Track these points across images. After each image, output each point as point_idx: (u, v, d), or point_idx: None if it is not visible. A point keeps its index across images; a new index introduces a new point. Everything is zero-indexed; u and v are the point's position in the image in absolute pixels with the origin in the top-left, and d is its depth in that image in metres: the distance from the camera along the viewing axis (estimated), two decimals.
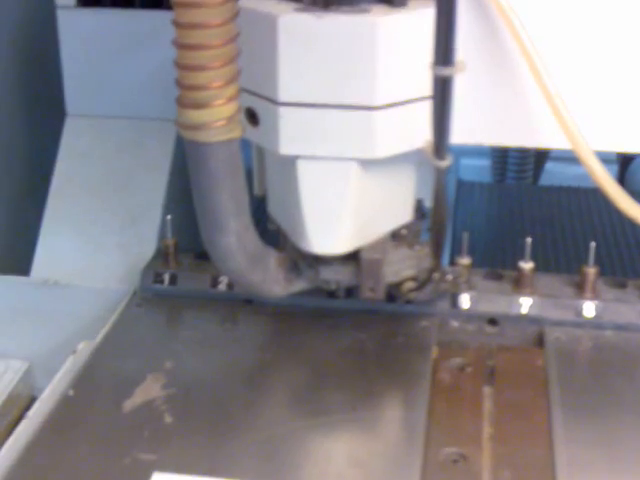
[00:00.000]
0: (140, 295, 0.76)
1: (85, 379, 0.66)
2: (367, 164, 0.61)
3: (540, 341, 0.70)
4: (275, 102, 0.59)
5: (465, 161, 1.30)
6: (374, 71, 0.58)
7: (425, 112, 0.57)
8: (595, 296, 0.71)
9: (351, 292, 0.73)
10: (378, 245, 0.66)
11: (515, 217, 1.01)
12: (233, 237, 0.60)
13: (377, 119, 0.59)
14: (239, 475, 0.56)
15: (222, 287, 0.75)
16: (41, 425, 0.60)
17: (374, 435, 0.60)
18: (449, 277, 0.70)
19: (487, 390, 0.65)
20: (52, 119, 0.90)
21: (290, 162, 0.61)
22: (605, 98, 0.60)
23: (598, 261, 0.72)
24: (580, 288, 0.72)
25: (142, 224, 0.82)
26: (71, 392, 0.64)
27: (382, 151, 0.60)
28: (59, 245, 0.83)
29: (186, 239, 0.78)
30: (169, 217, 0.77)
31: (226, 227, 0.60)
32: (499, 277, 0.74)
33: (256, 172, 0.70)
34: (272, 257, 0.66)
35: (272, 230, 0.70)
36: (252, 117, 0.61)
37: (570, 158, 1.43)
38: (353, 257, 0.66)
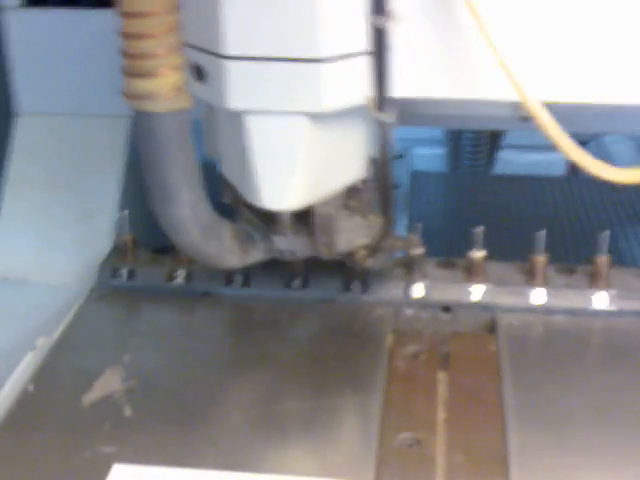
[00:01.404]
0: (98, 290, 0.76)
1: (44, 374, 0.66)
2: (317, 118, 0.61)
3: (492, 327, 0.71)
4: (221, 56, 0.58)
5: (419, 150, 1.30)
6: (319, 22, 0.57)
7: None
8: (545, 283, 0.73)
9: (307, 283, 0.74)
10: (331, 200, 0.66)
11: (470, 206, 1.02)
12: (185, 208, 0.61)
13: (324, 72, 0.58)
14: (200, 465, 0.56)
15: (180, 280, 0.76)
16: (0, 421, 0.61)
17: (330, 422, 0.61)
18: (399, 243, 0.70)
19: (441, 376, 0.66)
20: None
21: (239, 118, 0.61)
22: (551, 47, 0.59)
23: (550, 248, 0.73)
24: (530, 275, 0.73)
25: (97, 220, 0.83)
26: (31, 387, 0.64)
27: (330, 104, 0.60)
28: (13, 242, 0.83)
29: (143, 234, 0.78)
30: (126, 212, 0.77)
31: (178, 198, 0.60)
32: (452, 265, 0.75)
33: (206, 133, 0.69)
34: (226, 229, 0.66)
35: (225, 203, 0.69)
36: (198, 73, 0.61)
37: (523, 146, 1.44)
38: (307, 226, 0.66)
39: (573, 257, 0.90)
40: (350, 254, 0.69)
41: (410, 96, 0.61)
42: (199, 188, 0.61)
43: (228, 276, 0.75)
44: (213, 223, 0.65)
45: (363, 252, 0.69)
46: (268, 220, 0.68)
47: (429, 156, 1.32)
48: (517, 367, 0.66)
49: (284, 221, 0.67)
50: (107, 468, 0.56)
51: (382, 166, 0.63)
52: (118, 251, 0.79)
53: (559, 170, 1.28)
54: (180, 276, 0.76)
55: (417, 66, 0.60)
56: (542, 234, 0.72)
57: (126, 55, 0.55)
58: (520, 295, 0.73)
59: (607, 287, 0.72)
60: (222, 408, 0.62)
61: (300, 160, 0.62)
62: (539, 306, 0.72)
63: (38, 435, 0.60)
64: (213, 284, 0.75)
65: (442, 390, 0.64)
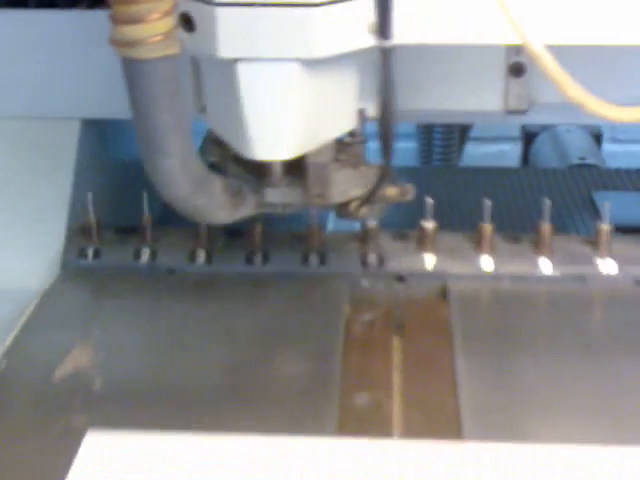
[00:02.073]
0: (65, 271, 0.78)
1: (14, 352, 0.68)
2: (309, 65, 0.60)
3: (444, 294, 0.75)
4: (210, 3, 0.57)
5: None
6: None
7: (367, 11, 0.56)
8: (492, 251, 0.76)
9: (267, 258, 0.76)
10: (324, 150, 0.65)
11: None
12: (176, 159, 0.59)
13: (317, 16, 0.57)
14: (171, 429, 0.58)
15: (144, 259, 0.78)
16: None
17: (293, 385, 0.64)
18: (393, 192, 0.70)
19: (396, 341, 0.69)
20: None
21: (229, 67, 0.60)
22: None
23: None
24: (478, 244, 0.77)
25: (48, 224, 0.81)
26: (2, 364, 0.66)
27: (323, 50, 0.59)
28: None
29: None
30: (90, 194, 0.78)
31: (168, 149, 0.59)
32: (404, 237, 0.78)
33: (192, 88, 0.69)
34: (216, 182, 0.65)
35: (212, 163, 0.69)
36: (187, 23, 0.59)
37: (486, 138, 1.42)
38: (298, 178, 0.66)
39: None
40: (343, 205, 0.69)
41: (408, 42, 0.60)
42: (189, 139, 0.60)
43: (191, 254, 0.77)
44: (203, 176, 0.63)
45: (356, 202, 0.68)
46: (259, 173, 0.67)
47: (401, 150, 1.33)
48: (467, 330, 0.69)
49: (276, 172, 0.66)
50: (79, 438, 0.57)
51: (383, 97, 0.60)
52: (83, 232, 0.80)
53: (513, 161, 1.31)
54: (145, 254, 0.78)
55: (414, 11, 0.59)
56: (488, 204, 0.75)
57: (114, 1, 0.54)
58: (469, 263, 0.76)
59: (550, 253, 0.76)
60: (188, 378, 0.65)
61: (292, 108, 0.61)
62: (487, 273, 0.76)
63: (10, 411, 0.62)
64: (177, 262, 0.77)
65: (397, 354, 0.67)
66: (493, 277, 0.76)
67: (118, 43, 0.55)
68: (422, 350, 0.68)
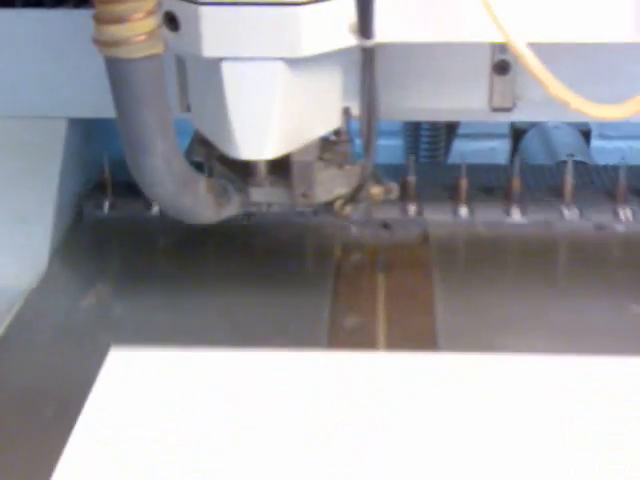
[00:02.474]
0: (83, 221, 0.85)
1: (41, 289, 0.75)
2: (294, 64, 0.60)
3: (425, 239, 0.82)
4: (195, 2, 0.57)
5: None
6: None
7: (351, 10, 0.56)
8: (468, 201, 0.84)
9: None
10: (308, 149, 0.65)
11: None
12: (160, 159, 0.59)
13: (301, 15, 0.57)
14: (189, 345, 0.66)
15: (156, 209, 0.83)
16: (9, 320, 0.70)
17: (289, 312, 0.71)
18: (377, 191, 0.70)
19: (381, 277, 0.76)
20: None
21: (214, 66, 0.60)
22: None
23: None
24: (456, 195, 0.84)
25: (33, 225, 0.81)
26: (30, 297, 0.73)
27: (307, 49, 0.59)
28: None
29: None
30: (106, 155, 0.84)
31: (152, 149, 0.58)
32: (389, 190, 0.80)
33: (177, 87, 0.70)
34: (201, 182, 0.65)
35: (197, 162, 0.69)
36: (172, 22, 0.59)
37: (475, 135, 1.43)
38: (283, 177, 0.66)
39: None
40: (328, 204, 0.69)
41: (391, 40, 0.60)
42: (173, 139, 0.60)
43: None
44: (187, 175, 0.63)
45: (340, 201, 0.69)
46: (243, 172, 0.67)
47: (387, 148, 1.32)
48: (445, 269, 0.77)
49: (260, 171, 0.67)
50: (105, 355, 0.64)
51: (366, 95, 0.61)
52: (100, 187, 0.86)
53: (502, 158, 1.30)
54: (155, 206, 0.83)
55: (398, 9, 0.60)
56: (464, 163, 0.83)
57: (98, 1, 0.53)
58: (447, 212, 0.84)
59: (520, 203, 0.83)
60: (200, 303, 0.72)
61: (277, 108, 0.61)
62: (463, 220, 0.84)
63: (43, 332, 0.69)
64: None
65: (382, 287, 0.75)
66: (468, 224, 0.84)
67: (102, 43, 0.54)
68: (405, 284, 0.75)
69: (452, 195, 0.84)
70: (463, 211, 0.84)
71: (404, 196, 0.82)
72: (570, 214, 0.83)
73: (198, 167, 0.67)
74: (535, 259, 0.79)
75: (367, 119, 0.62)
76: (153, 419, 0.59)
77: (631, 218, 0.82)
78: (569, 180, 0.83)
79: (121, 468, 0.55)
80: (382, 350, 0.67)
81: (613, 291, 0.73)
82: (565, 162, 0.88)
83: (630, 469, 0.54)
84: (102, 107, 0.65)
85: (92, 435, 0.57)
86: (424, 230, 0.82)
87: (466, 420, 0.58)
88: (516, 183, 0.83)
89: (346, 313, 0.71)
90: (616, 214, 0.83)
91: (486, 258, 0.79)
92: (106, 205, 0.85)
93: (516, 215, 0.83)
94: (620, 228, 0.82)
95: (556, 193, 0.84)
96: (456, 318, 0.70)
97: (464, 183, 0.83)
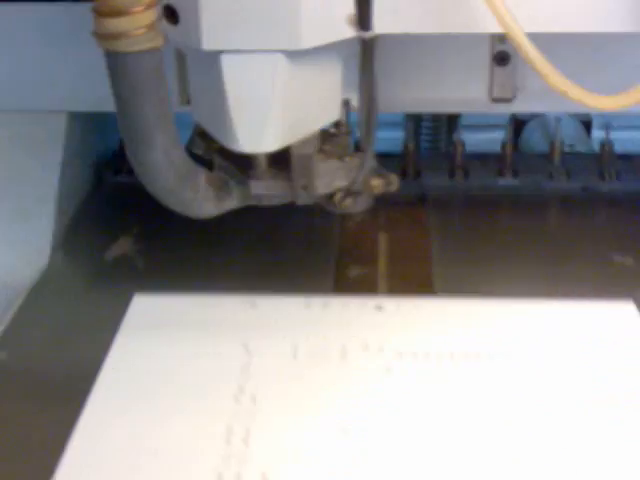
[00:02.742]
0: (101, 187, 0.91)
1: (66, 243, 0.82)
2: (294, 56, 0.60)
3: (423, 200, 0.88)
4: None
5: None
6: None
7: (350, 2, 0.56)
8: (463, 166, 0.89)
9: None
10: (308, 141, 0.65)
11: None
12: (160, 152, 0.59)
13: (301, 7, 0.57)
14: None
15: None
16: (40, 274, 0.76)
17: (299, 263, 0.77)
18: (378, 182, 0.70)
19: (382, 234, 0.82)
20: None
21: (214, 59, 0.59)
22: None
23: None
24: (452, 161, 0.89)
25: (35, 219, 0.81)
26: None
27: (307, 41, 0.58)
28: None
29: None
30: None
31: (152, 142, 0.58)
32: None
33: (177, 80, 0.70)
34: (201, 175, 0.65)
35: (197, 155, 0.69)
36: (172, 15, 0.58)
37: (476, 125, 1.42)
38: (283, 170, 0.66)
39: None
40: (328, 197, 0.68)
41: (390, 32, 0.60)
42: (173, 132, 0.59)
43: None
44: (188, 168, 0.63)
45: (340, 194, 0.68)
46: (244, 165, 0.67)
47: (388, 139, 1.32)
48: (442, 227, 0.83)
49: (260, 164, 0.66)
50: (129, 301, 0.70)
51: (365, 87, 0.61)
52: (120, 155, 0.89)
53: None
54: None
55: (396, 1, 0.59)
56: (459, 133, 0.87)
57: None
58: (444, 176, 0.89)
59: (512, 167, 0.88)
60: (223, 255, 0.78)
61: (277, 100, 0.61)
62: (459, 183, 0.88)
63: (75, 279, 0.78)
64: None
65: (383, 243, 0.80)
66: (464, 187, 0.89)
67: (101, 36, 0.54)
68: (404, 240, 0.81)
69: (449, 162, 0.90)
70: (459, 175, 0.89)
71: (403, 161, 0.89)
72: (558, 176, 0.89)
73: (199, 161, 0.67)
74: (527, 215, 0.85)
75: (366, 111, 0.62)
76: (174, 359, 0.64)
77: (615, 179, 0.88)
78: (558, 145, 0.89)
79: (146, 407, 0.60)
80: (383, 292, 0.73)
81: (597, 243, 0.80)
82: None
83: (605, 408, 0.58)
84: (102, 101, 0.64)
85: (119, 375, 0.63)
86: (422, 192, 0.88)
87: (457, 355, 0.64)
88: (508, 149, 0.88)
89: (350, 263, 0.76)
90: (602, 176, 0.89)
91: (480, 217, 0.85)
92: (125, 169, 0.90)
93: (508, 178, 0.89)
94: (604, 189, 0.88)
95: (545, 156, 0.91)
96: (452, 269, 0.76)
97: (459, 150, 0.88)
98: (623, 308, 0.67)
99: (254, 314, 0.69)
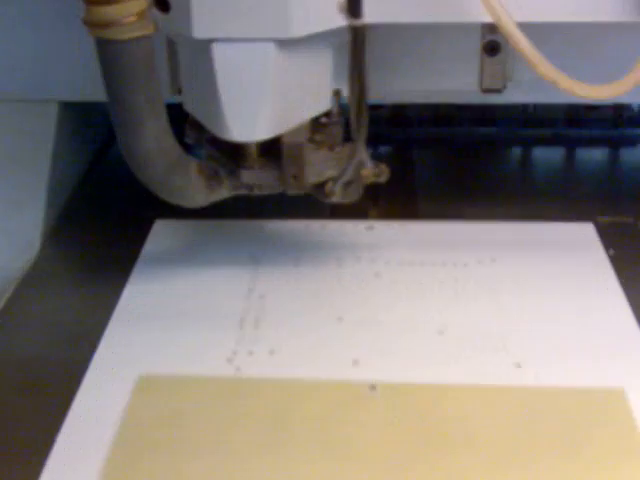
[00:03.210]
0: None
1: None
2: (285, 45, 0.60)
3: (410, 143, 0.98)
4: None
5: None
6: None
7: None
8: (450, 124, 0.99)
9: None
10: (299, 130, 0.65)
11: None
12: (151, 141, 0.59)
13: None
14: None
15: None
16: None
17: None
18: (368, 172, 0.69)
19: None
20: None
21: (204, 48, 0.60)
22: None
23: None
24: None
25: (26, 209, 0.81)
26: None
27: (298, 30, 0.59)
28: None
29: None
30: None
31: (143, 130, 0.58)
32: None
33: (168, 69, 0.70)
34: (192, 164, 0.65)
35: (189, 144, 0.69)
36: (162, 3, 0.59)
37: None
38: (274, 159, 0.66)
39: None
40: (319, 186, 0.68)
41: (380, 21, 0.60)
42: (164, 120, 0.60)
43: None
44: (178, 157, 0.63)
45: (330, 183, 0.68)
46: (234, 155, 0.67)
47: None
48: (429, 184, 0.90)
49: (251, 153, 0.66)
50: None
51: (354, 76, 0.61)
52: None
53: None
54: None
55: None
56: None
57: None
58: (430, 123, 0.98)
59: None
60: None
61: (267, 89, 0.61)
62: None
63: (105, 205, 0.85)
64: None
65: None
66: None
67: (91, 24, 0.54)
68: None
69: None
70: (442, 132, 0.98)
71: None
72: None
73: (189, 150, 0.67)
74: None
75: (356, 100, 0.63)
76: (193, 268, 0.74)
77: None
78: None
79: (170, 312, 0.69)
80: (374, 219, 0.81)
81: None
82: None
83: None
84: (94, 90, 0.65)
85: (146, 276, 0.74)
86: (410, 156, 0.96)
87: (438, 264, 0.74)
88: None
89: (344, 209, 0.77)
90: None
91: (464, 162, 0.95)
92: None
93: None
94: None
95: None
96: (436, 205, 0.85)
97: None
98: (584, 229, 0.79)
99: (262, 234, 0.79)
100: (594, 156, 0.97)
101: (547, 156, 0.97)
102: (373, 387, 0.60)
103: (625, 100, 0.88)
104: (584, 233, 0.79)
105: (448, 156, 0.98)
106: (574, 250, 0.76)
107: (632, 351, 0.64)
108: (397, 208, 0.84)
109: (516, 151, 0.99)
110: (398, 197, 0.86)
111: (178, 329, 0.67)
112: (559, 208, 0.84)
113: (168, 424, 0.57)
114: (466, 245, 0.77)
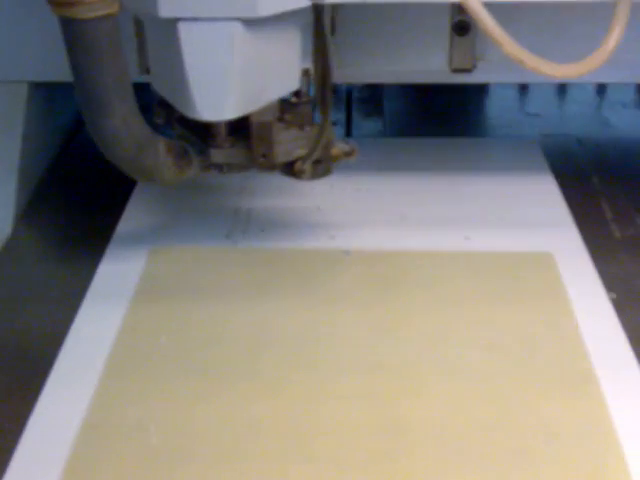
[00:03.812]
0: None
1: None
2: (252, 25, 0.60)
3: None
4: None
5: None
6: None
7: None
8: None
9: None
10: (268, 110, 0.65)
11: None
12: (119, 120, 0.59)
13: None
14: None
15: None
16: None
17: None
18: (338, 151, 0.69)
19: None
20: None
21: (171, 27, 0.59)
22: None
23: None
24: None
25: None
26: None
27: (264, 9, 0.58)
28: None
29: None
30: None
31: (110, 110, 0.58)
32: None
33: (136, 48, 0.70)
34: (161, 143, 0.64)
35: (159, 124, 0.69)
36: None
37: None
38: (243, 138, 0.66)
39: None
40: (288, 165, 0.68)
41: (344, 0, 0.60)
42: (131, 100, 0.59)
43: None
44: (147, 136, 0.62)
45: (300, 162, 0.68)
46: (204, 134, 0.67)
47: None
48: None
49: (220, 133, 0.66)
50: None
51: (318, 56, 0.61)
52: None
53: None
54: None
55: None
56: None
57: None
58: None
59: None
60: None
61: (235, 69, 0.61)
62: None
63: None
64: None
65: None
66: None
67: (55, 3, 0.54)
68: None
69: None
70: None
71: None
72: None
73: (158, 130, 0.66)
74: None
75: (321, 79, 0.62)
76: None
77: None
78: None
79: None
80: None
81: None
82: None
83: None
84: (64, 71, 0.64)
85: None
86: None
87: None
88: None
89: None
90: None
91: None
92: None
93: None
94: None
95: None
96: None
97: None
98: (528, 146, 0.89)
99: (251, 182, 0.84)
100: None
101: None
102: (347, 252, 0.73)
103: (602, 79, 0.87)
104: (528, 149, 0.89)
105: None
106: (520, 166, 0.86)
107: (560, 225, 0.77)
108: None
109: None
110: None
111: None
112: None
113: (184, 280, 0.71)
114: (434, 159, 0.87)
